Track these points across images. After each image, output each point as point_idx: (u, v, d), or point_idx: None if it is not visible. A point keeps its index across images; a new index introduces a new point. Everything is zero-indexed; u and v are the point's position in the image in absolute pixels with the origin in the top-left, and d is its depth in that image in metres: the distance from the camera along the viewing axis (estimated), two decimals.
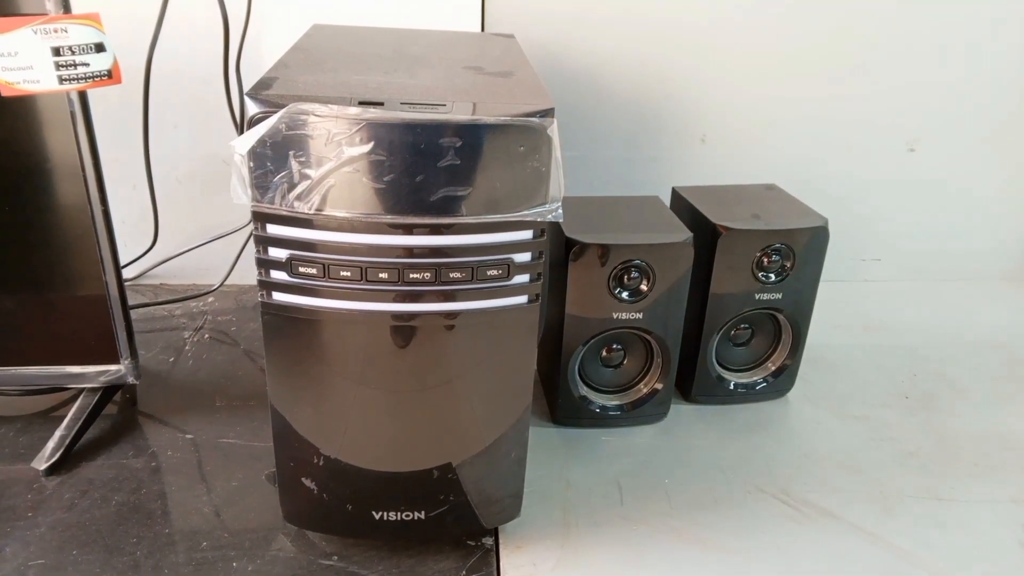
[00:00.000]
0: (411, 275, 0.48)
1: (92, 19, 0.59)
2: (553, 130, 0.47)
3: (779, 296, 0.73)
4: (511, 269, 0.49)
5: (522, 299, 0.51)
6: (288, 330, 0.50)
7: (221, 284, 0.93)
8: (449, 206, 0.46)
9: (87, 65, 0.60)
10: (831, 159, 0.99)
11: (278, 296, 0.49)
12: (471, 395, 0.54)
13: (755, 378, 0.79)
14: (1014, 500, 0.67)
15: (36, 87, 0.59)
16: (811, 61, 0.94)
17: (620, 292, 0.68)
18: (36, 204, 0.65)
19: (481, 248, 0.48)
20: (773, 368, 0.79)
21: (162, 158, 0.86)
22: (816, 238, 0.72)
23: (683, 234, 0.69)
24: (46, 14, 0.58)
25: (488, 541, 0.61)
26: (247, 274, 0.92)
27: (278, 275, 0.48)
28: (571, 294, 0.68)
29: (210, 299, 0.93)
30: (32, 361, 0.69)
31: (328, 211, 0.46)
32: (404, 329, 0.50)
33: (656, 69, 0.93)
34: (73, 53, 0.59)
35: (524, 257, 0.49)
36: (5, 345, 0.68)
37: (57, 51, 0.58)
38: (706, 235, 0.72)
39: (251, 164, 0.45)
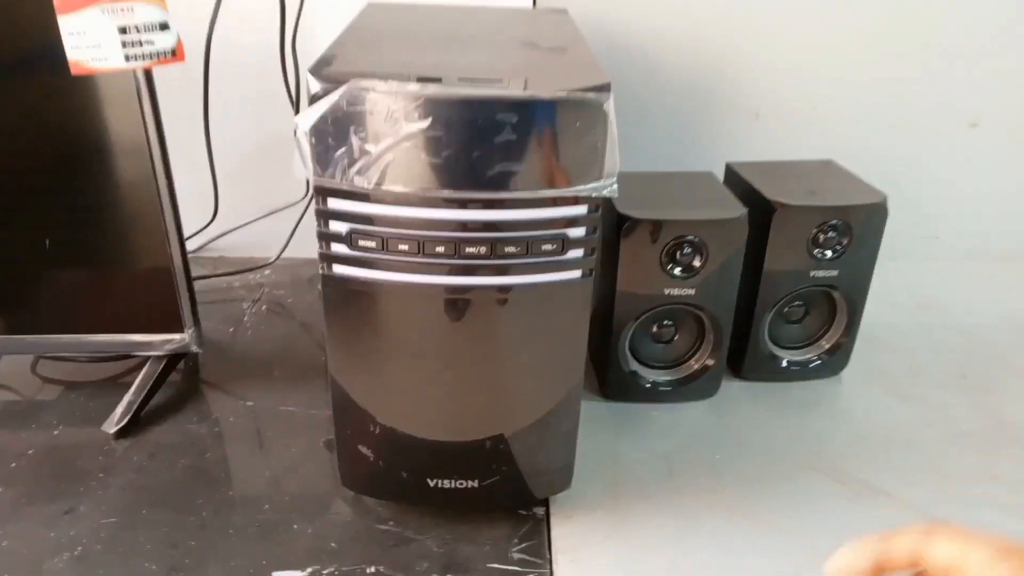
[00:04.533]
0: (467, 249, 0.48)
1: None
2: (609, 105, 0.47)
3: (835, 273, 0.72)
4: (565, 244, 0.50)
5: (576, 274, 0.51)
6: (347, 302, 0.52)
7: (278, 257, 0.95)
8: (505, 181, 0.47)
9: (152, 43, 0.61)
10: (890, 135, 0.97)
11: (338, 268, 0.50)
12: (523, 368, 0.55)
13: (808, 356, 0.78)
14: None
15: (104, 65, 0.61)
16: (870, 35, 0.92)
17: (672, 268, 0.68)
18: (104, 180, 0.67)
19: (536, 223, 0.48)
20: (827, 346, 0.78)
21: (221, 136, 0.89)
22: (874, 214, 0.71)
23: (737, 210, 0.68)
24: None
25: (540, 511, 0.62)
26: (302, 248, 0.94)
27: (338, 248, 0.50)
28: (623, 270, 0.68)
29: (267, 271, 0.95)
30: (101, 329, 0.72)
31: (387, 186, 0.47)
32: (459, 302, 0.51)
33: (710, 44, 0.92)
34: (139, 32, 0.61)
35: (579, 232, 0.50)
36: (76, 314, 0.71)
37: (123, 30, 0.60)
38: (761, 211, 0.71)
39: (313, 140, 0.47)
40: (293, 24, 0.84)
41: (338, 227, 0.49)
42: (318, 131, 0.46)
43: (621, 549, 0.59)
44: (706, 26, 0.91)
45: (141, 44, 0.61)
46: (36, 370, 0.77)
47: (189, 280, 0.70)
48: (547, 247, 0.49)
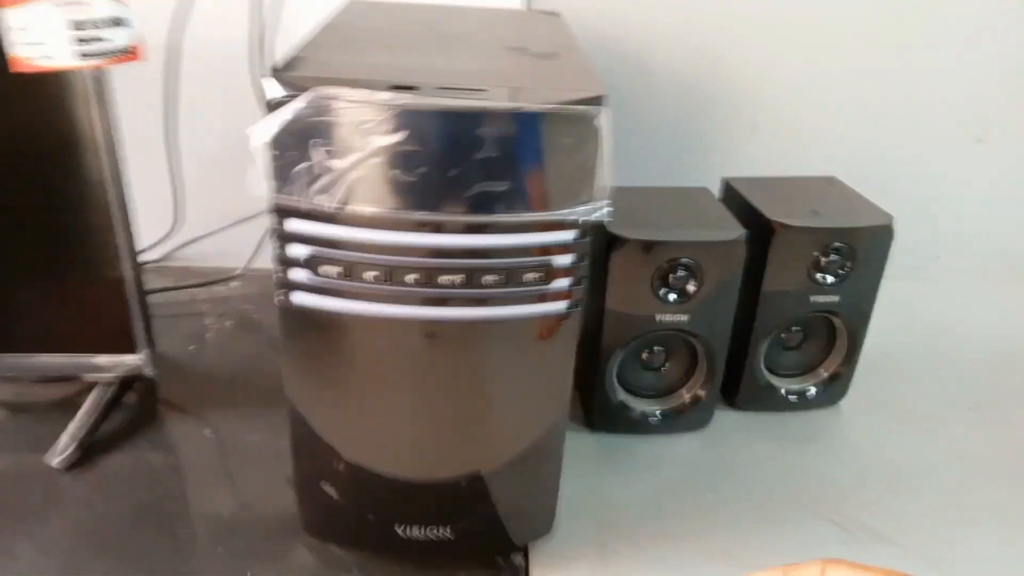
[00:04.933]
0: (441, 278, 0.43)
1: None
2: (602, 120, 0.42)
3: (836, 299, 0.68)
4: (550, 273, 0.45)
5: (561, 305, 0.46)
6: (308, 331, 0.47)
7: (245, 268, 0.90)
8: (485, 202, 0.42)
9: (107, 41, 0.56)
10: (893, 149, 0.93)
11: (297, 296, 0.45)
12: (502, 405, 0.50)
13: (805, 385, 0.74)
14: None
15: (51, 63, 0.55)
16: (873, 47, 0.88)
17: (665, 293, 0.63)
18: (53, 186, 0.62)
19: (518, 250, 0.44)
20: (826, 375, 0.74)
21: (189, 137, 0.83)
22: (880, 238, 0.67)
23: (736, 231, 0.64)
24: None
25: (518, 559, 0.57)
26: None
27: (297, 274, 0.44)
28: (611, 293, 0.63)
29: (234, 284, 0.90)
30: (48, 348, 0.66)
31: (353, 206, 0.42)
32: (432, 335, 0.46)
33: (708, 51, 0.87)
34: (94, 27, 0.55)
35: (565, 260, 0.45)
36: (20, 331, 0.66)
37: (75, 25, 0.55)
38: (760, 231, 0.66)
39: (271, 152, 0.41)
40: (265, 24, 0.79)
41: (297, 251, 0.44)
42: (277, 143, 0.41)
43: None
44: (704, 33, 0.86)
45: (92, 41, 0.56)
46: None
47: (143, 297, 0.64)
48: (530, 276, 0.44)
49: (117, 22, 0.56)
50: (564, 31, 0.62)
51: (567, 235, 0.44)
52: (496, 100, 0.41)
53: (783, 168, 0.87)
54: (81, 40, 0.55)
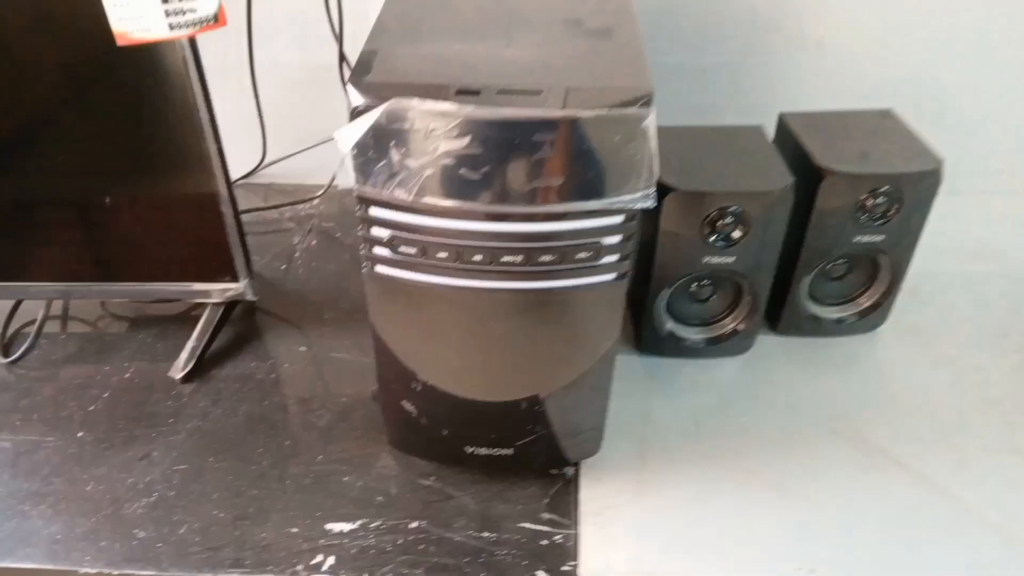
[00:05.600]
0: (504, 258, 0.50)
1: None
2: (649, 121, 0.46)
3: (880, 238, 0.71)
4: (600, 251, 0.50)
5: (610, 276, 0.52)
6: (389, 295, 0.54)
7: (326, 190, 0.97)
8: (541, 195, 0.47)
9: (194, 11, 0.61)
10: (958, 66, 0.91)
11: (380, 269, 0.52)
12: (558, 352, 0.57)
13: (847, 313, 0.79)
14: None
15: (148, 35, 0.61)
16: None
17: (714, 238, 0.68)
18: (155, 134, 0.69)
19: (571, 233, 0.49)
20: (867, 304, 0.78)
21: (267, 65, 0.89)
22: (926, 182, 0.69)
23: (784, 180, 0.67)
24: None
25: (570, 471, 0.66)
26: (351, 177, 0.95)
27: (380, 251, 0.51)
28: (663, 236, 0.68)
29: (316, 202, 0.97)
30: (162, 277, 0.76)
31: (426, 199, 0.48)
32: (496, 301, 0.53)
33: None
34: (180, 0, 0.60)
35: (614, 239, 0.50)
36: (140, 262, 0.75)
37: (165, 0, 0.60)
38: (809, 175, 0.69)
39: (354, 151, 0.47)
40: None
41: (380, 232, 0.51)
42: (360, 144, 0.47)
43: (643, 512, 0.63)
44: None
45: (184, 13, 0.61)
46: (105, 307, 0.83)
47: (242, 236, 0.72)
48: (582, 255, 0.50)
49: None
50: None
51: (615, 219, 0.50)
52: (551, 104, 0.45)
53: (848, 86, 0.87)
54: (173, 12, 0.60)
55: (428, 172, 0.47)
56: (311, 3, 0.85)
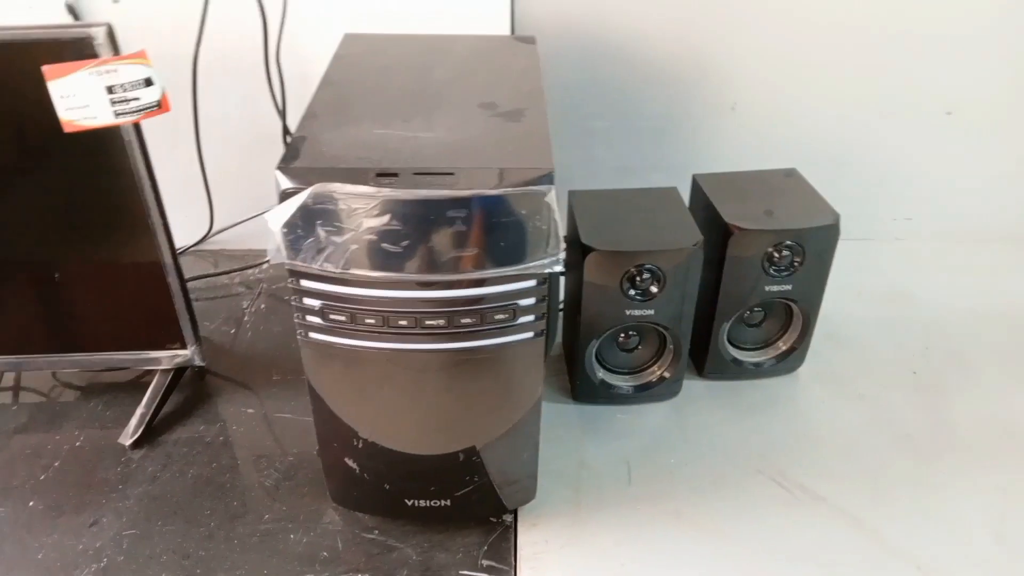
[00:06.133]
0: (427, 322, 0.54)
1: (140, 57, 0.64)
2: (551, 197, 0.51)
3: (789, 287, 0.77)
4: (517, 312, 0.55)
5: (528, 335, 0.57)
6: (325, 358, 0.58)
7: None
8: (459, 264, 0.52)
9: (138, 99, 0.65)
10: (869, 124, 0.99)
11: (314, 335, 0.56)
12: (489, 413, 0.61)
13: (766, 357, 0.84)
14: (1000, 489, 0.72)
15: (95, 122, 0.65)
16: (846, 25, 0.93)
17: (632, 292, 0.73)
18: (102, 210, 0.72)
19: (489, 297, 0.54)
20: (784, 348, 0.83)
21: (214, 138, 0.93)
22: (826, 235, 0.75)
23: (694, 237, 0.72)
24: (98, 57, 0.63)
25: (508, 518, 0.69)
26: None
27: (313, 319, 0.55)
28: (587, 292, 0.73)
29: (265, 266, 1.01)
30: (112, 346, 0.79)
31: (353, 270, 0.52)
32: (425, 362, 0.57)
33: (687, 36, 0.93)
34: (125, 90, 0.64)
35: (528, 301, 0.55)
36: (90, 332, 0.78)
37: (110, 89, 0.64)
38: (720, 231, 0.75)
39: (284, 230, 0.51)
40: (276, 35, 0.87)
41: (311, 302, 0.54)
42: (289, 224, 0.51)
43: (578, 555, 0.67)
44: (685, 19, 0.92)
45: (128, 101, 0.65)
46: (56, 376, 0.85)
47: (189, 303, 0.76)
48: (500, 316, 0.55)
49: (148, 82, 0.65)
50: (535, 72, 0.69)
51: (529, 283, 0.54)
52: (463, 185, 0.50)
53: (761, 145, 0.94)
54: (118, 101, 0.65)
55: (354, 247, 0.51)
56: (255, 78, 0.89)
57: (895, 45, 0.94)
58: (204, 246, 1.04)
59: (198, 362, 0.79)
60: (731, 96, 0.97)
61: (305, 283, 0.54)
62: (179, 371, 0.82)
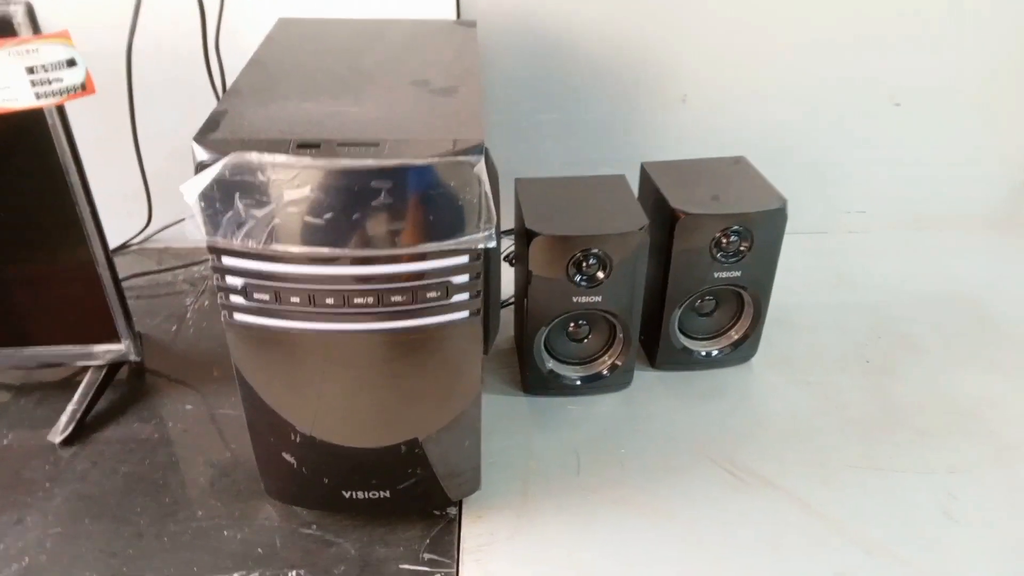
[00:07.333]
0: (356, 300, 0.52)
1: (62, 37, 0.62)
2: (480, 168, 0.49)
3: (738, 274, 0.76)
4: (450, 290, 0.53)
5: (463, 314, 0.55)
6: (250, 343, 0.56)
7: None
8: (386, 238, 0.50)
9: (60, 80, 0.63)
10: (817, 115, 0.99)
11: (238, 316, 0.54)
12: (427, 401, 0.59)
13: (719, 346, 0.83)
14: (948, 469, 0.71)
15: (15, 104, 0.62)
16: (795, 16, 0.93)
17: (578, 279, 0.71)
18: (29, 201, 0.70)
19: (419, 274, 0.52)
20: (736, 337, 0.82)
21: (153, 133, 0.90)
22: (773, 220, 0.74)
23: (639, 222, 0.71)
24: (17, 35, 0.61)
25: (452, 511, 0.67)
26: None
27: (236, 299, 0.53)
28: (534, 279, 0.71)
29: (208, 264, 0.98)
30: (42, 341, 0.76)
31: (275, 246, 0.50)
32: (356, 344, 0.55)
33: (637, 28, 0.93)
34: (46, 70, 0.62)
35: (462, 278, 0.53)
36: (16, 327, 0.75)
37: (31, 70, 0.62)
38: (667, 217, 0.74)
39: (202, 204, 0.49)
40: (215, 25, 0.85)
41: (234, 281, 0.52)
42: (206, 196, 0.49)
43: (524, 548, 0.65)
44: (634, 10, 0.92)
45: (50, 82, 0.63)
46: None
47: (121, 295, 0.73)
48: (432, 294, 0.53)
49: (70, 63, 0.63)
50: (472, 52, 0.68)
51: (461, 259, 0.53)
52: (387, 154, 0.49)
53: (711, 136, 0.94)
54: (39, 82, 0.62)
55: (276, 221, 0.49)
56: (195, 71, 0.87)
57: (842, 36, 0.94)
58: (149, 244, 1.01)
59: (133, 357, 0.76)
60: (681, 88, 0.97)
61: (226, 260, 0.52)
62: (113, 367, 0.79)
